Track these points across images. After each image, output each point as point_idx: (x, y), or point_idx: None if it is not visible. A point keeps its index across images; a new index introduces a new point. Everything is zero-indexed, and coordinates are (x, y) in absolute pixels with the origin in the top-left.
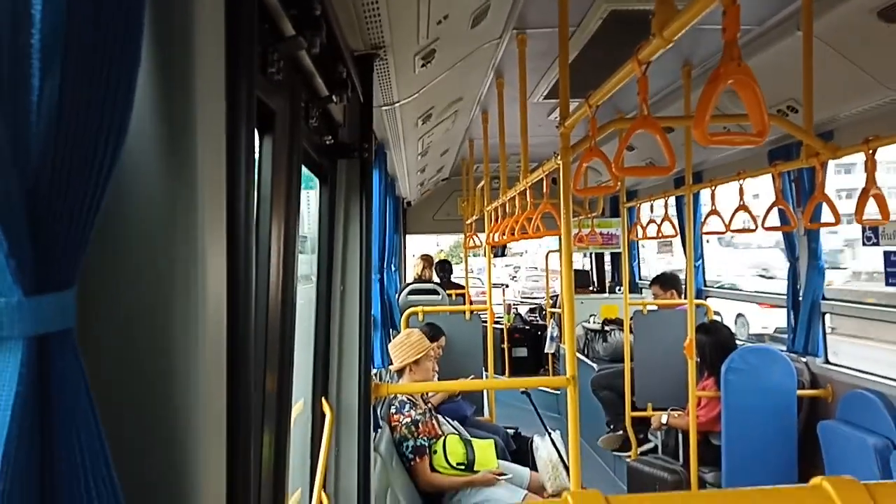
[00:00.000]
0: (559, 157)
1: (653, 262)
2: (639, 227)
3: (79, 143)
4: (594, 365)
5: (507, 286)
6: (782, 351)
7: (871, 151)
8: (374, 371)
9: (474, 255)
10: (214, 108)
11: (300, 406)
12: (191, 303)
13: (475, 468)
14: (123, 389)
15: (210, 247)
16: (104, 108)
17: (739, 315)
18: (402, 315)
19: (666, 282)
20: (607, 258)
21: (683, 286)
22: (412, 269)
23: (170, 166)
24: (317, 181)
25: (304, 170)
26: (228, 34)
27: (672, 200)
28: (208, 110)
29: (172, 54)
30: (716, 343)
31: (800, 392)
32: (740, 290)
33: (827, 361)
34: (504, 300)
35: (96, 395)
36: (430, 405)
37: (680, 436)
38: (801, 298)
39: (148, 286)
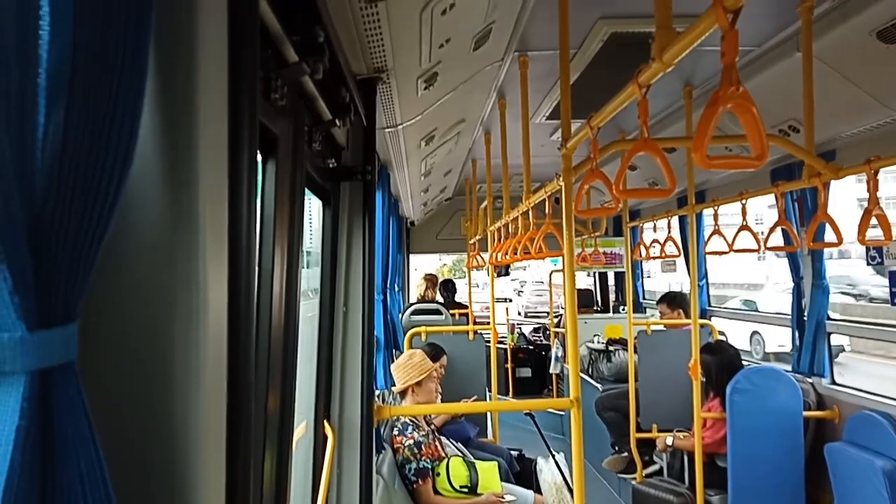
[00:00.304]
0: (561, 179)
1: (659, 277)
2: (642, 247)
3: (82, 179)
4: (598, 385)
5: (510, 300)
6: (788, 371)
7: (872, 172)
8: (376, 392)
9: (476, 271)
10: (217, 133)
11: (302, 429)
12: (191, 330)
13: (479, 491)
14: (123, 418)
15: (211, 271)
16: (108, 142)
17: (754, 333)
18: (405, 335)
19: (673, 301)
20: (611, 277)
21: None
22: (415, 288)
23: (172, 191)
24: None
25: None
26: (231, 61)
27: (675, 220)
28: (211, 136)
29: (176, 81)
30: (721, 363)
31: (806, 413)
32: (745, 311)
33: (833, 382)
34: (508, 320)
35: (96, 420)
36: (433, 427)
37: (685, 458)
38: (805, 318)
39: (148, 309)
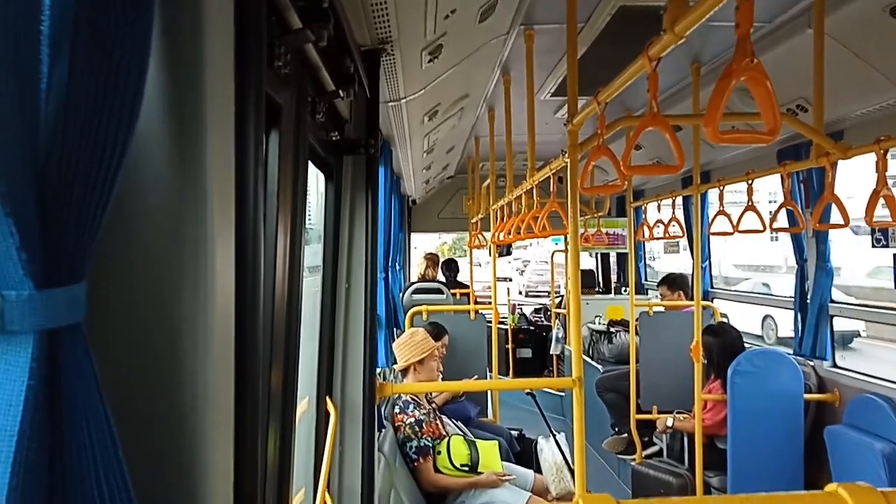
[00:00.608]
0: (566, 156)
1: (665, 259)
2: (645, 228)
3: (88, 133)
4: (599, 367)
5: (510, 279)
6: (789, 354)
7: (882, 152)
8: (378, 370)
9: (478, 250)
10: (223, 101)
11: (304, 404)
12: (199, 297)
13: (479, 469)
14: (132, 385)
15: (219, 241)
16: (114, 98)
17: (767, 317)
18: (406, 314)
19: (674, 282)
20: (613, 258)
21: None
22: (416, 267)
23: (179, 160)
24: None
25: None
26: (238, 26)
27: (679, 200)
28: (217, 103)
29: (182, 46)
30: (724, 345)
31: (807, 396)
32: (747, 293)
33: (835, 365)
34: (509, 300)
35: (104, 385)
36: (434, 405)
37: (685, 439)
38: (808, 301)
39: (157, 281)
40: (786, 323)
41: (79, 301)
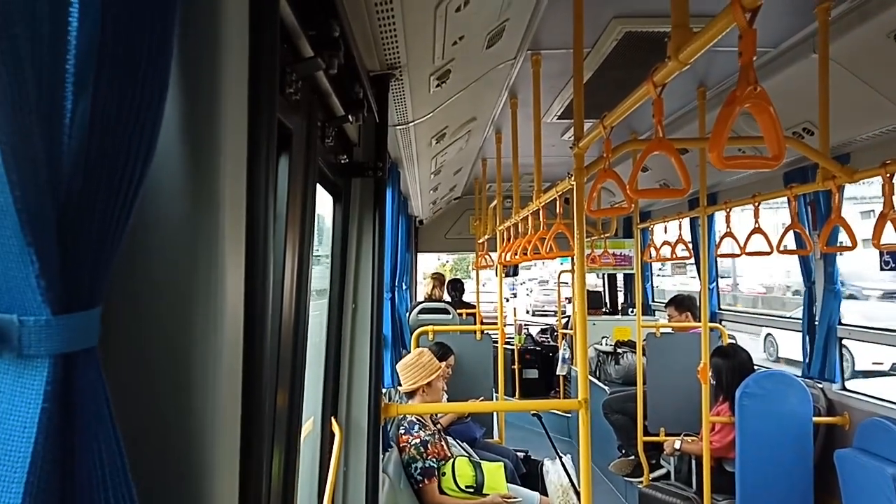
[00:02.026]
0: (573, 178)
1: (668, 284)
2: (652, 249)
3: (109, 163)
4: (606, 388)
5: (513, 297)
6: (798, 377)
7: (888, 175)
8: (383, 390)
9: (484, 271)
10: (237, 127)
11: (309, 425)
12: (210, 319)
13: (484, 491)
14: (141, 406)
15: (229, 264)
16: (134, 128)
17: (768, 335)
18: (412, 334)
19: (681, 304)
20: (620, 279)
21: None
22: (422, 287)
23: (193, 185)
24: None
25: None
26: (252, 55)
27: (686, 222)
28: (231, 130)
29: (198, 74)
30: (733, 367)
31: (816, 419)
32: (756, 314)
33: (844, 388)
34: (515, 320)
35: (114, 407)
36: (439, 426)
37: (693, 462)
38: (816, 323)
39: (168, 301)
40: (786, 343)
41: (94, 325)
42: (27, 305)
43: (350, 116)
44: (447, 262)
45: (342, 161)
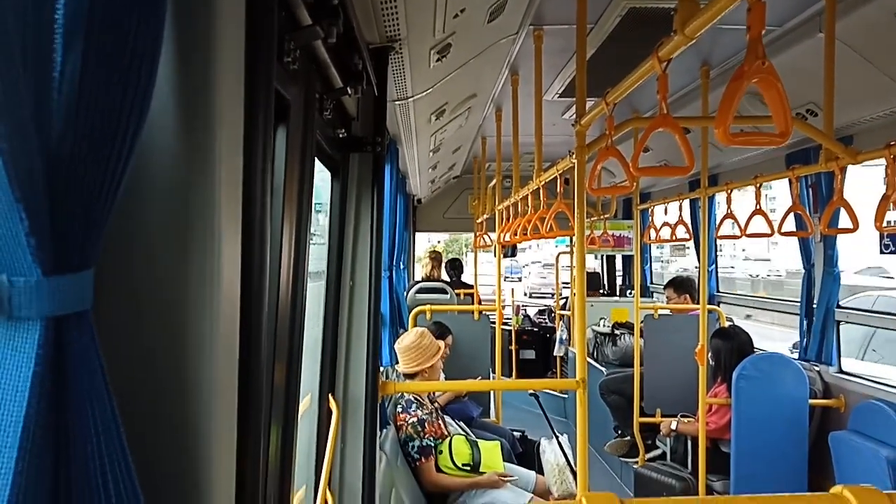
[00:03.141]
0: (574, 156)
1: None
2: (652, 230)
3: (99, 122)
4: (603, 369)
5: (520, 280)
6: (794, 360)
7: (892, 157)
8: (381, 369)
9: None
10: (233, 95)
11: (307, 402)
12: (205, 290)
13: (481, 470)
14: (136, 378)
15: (225, 235)
16: (125, 88)
17: (748, 316)
18: (410, 313)
19: (680, 285)
20: (618, 261)
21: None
22: (420, 267)
23: (188, 152)
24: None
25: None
26: (248, 21)
27: (686, 203)
28: (226, 97)
29: (193, 39)
30: (732, 348)
31: (812, 401)
32: (754, 297)
33: (840, 371)
34: (513, 301)
35: (109, 374)
36: (436, 405)
37: (689, 442)
38: (815, 306)
39: (163, 273)
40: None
41: (87, 288)
42: (17, 265)
43: (349, 89)
44: (439, 241)
45: (340, 135)
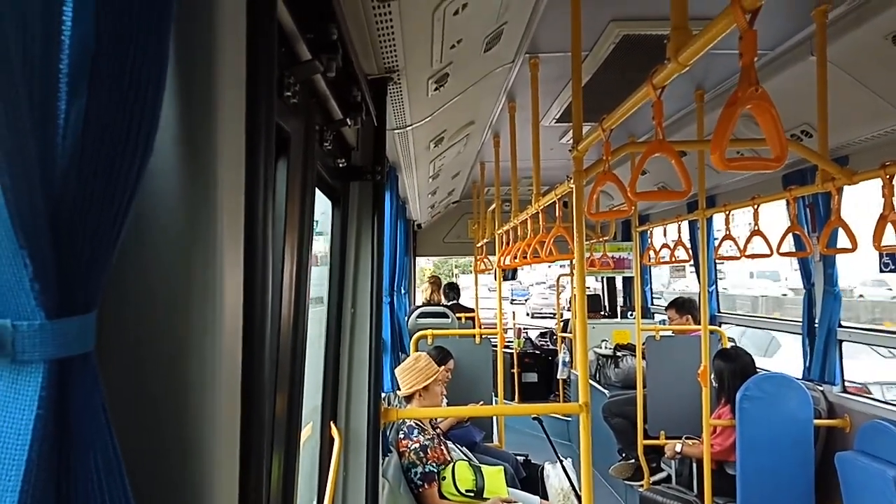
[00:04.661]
0: (572, 181)
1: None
2: (651, 252)
3: (104, 166)
4: (606, 391)
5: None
6: (798, 379)
7: (888, 177)
8: (382, 395)
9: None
10: (235, 131)
11: (308, 430)
12: (208, 322)
13: (485, 495)
14: (138, 410)
15: (227, 267)
16: (129, 132)
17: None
18: (411, 338)
19: (682, 306)
20: (618, 282)
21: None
22: (420, 292)
23: (191, 187)
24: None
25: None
26: (249, 58)
27: (685, 225)
28: (228, 134)
29: (195, 77)
30: (735, 370)
31: (817, 421)
32: (755, 317)
33: (844, 390)
34: (515, 324)
35: (111, 414)
36: (438, 430)
37: (694, 465)
38: (816, 325)
39: (166, 306)
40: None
41: (89, 330)
42: (21, 309)
43: (348, 120)
44: (428, 266)
45: (340, 165)
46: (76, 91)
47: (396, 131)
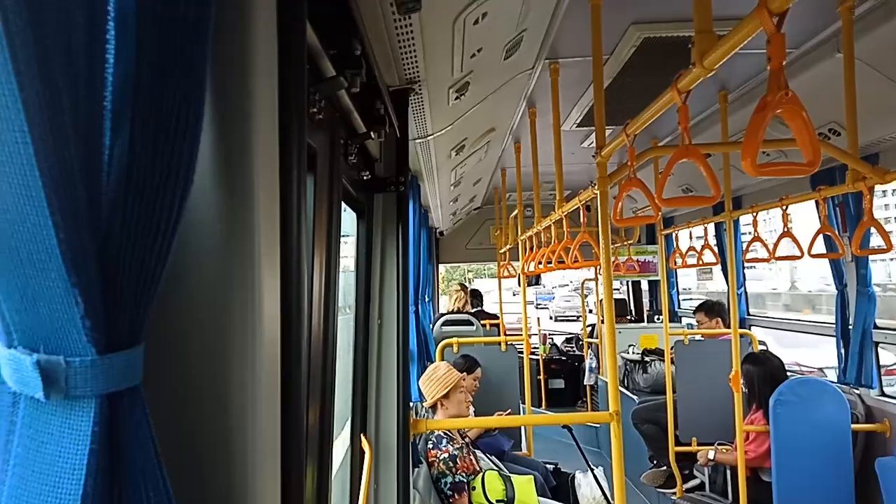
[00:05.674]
0: (596, 187)
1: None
2: (677, 255)
3: (147, 200)
4: (634, 397)
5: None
6: (833, 383)
7: None
8: (410, 405)
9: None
10: (269, 154)
11: (339, 443)
12: (249, 345)
13: None
14: (183, 435)
15: (266, 289)
16: (171, 163)
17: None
18: (436, 347)
19: (711, 309)
20: (644, 286)
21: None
22: (448, 300)
23: (229, 213)
24: None
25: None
26: (280, 80)
27: (711, 227)
28: (264, 158)
29: (232, 106)
30: (764, 374)
31: (854, 426)
32: (785, 319)
33: (882, 394)
34: (540, 330)
35: (159, 443)
36: (467, 440)
37: (728, 472)
38: (850, 327)
39: (208, 329)
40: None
41: (138, 363)
42: (73, 346)
43: (372, 133)
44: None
45: (364, 177)
46: (119, 126)
47: (418, 141)
